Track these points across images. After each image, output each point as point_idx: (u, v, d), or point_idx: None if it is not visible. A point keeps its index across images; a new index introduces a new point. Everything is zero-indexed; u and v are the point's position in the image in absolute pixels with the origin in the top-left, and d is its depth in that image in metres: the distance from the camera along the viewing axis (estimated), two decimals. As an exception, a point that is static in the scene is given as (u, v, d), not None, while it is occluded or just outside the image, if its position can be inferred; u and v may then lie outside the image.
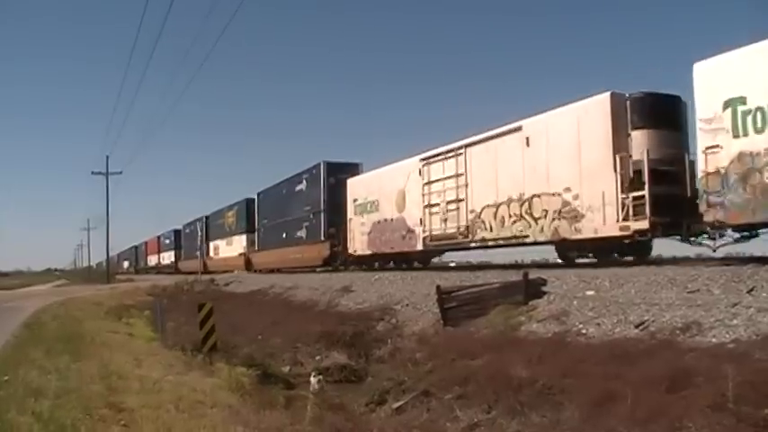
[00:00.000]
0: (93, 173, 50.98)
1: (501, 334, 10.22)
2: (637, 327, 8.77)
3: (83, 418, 5.91)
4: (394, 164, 21.92)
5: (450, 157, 18.22)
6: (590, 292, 10.96)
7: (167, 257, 66.94)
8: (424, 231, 19.40)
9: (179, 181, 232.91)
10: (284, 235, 32.21)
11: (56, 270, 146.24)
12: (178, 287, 33.27)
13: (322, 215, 27.33)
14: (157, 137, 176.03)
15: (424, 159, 19.53)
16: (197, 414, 6.49)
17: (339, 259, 26.02)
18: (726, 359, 6.50)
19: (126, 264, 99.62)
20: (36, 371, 8.14)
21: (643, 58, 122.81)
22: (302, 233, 29.75)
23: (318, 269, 28.41)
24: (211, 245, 47.98)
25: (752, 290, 8.76)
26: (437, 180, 18.79)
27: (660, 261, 13.57)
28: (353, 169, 26.89)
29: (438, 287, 12.52)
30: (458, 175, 17.77)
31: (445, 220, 18.26)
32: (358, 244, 24.05)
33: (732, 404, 5.54)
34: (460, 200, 17.61)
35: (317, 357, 12.75)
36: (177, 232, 62.91)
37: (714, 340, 7.50)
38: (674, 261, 12.67)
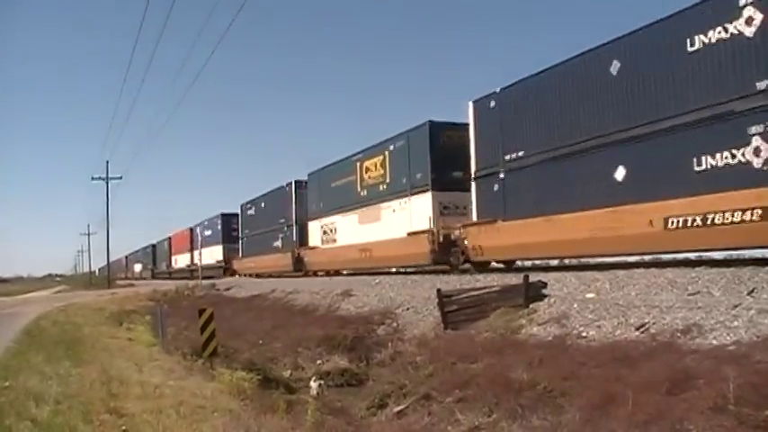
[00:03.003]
0: (93, 178, 50.98)
1: (501, 337, 10.21)
2: (637, 329, 8.76)
3: (83, 423, 5.91)
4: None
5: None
6: (590, 295, 10.96)
7: (210, 255, 47.03)
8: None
9: (179, 185, 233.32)
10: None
11: (56, 276, 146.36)
12: (179, 292, 33.25)
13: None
14: (157, 142, 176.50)
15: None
16: (198, 419, 6.49)
17: None
18: (726, 361, 6.49)
19: (138, 267, 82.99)
20: (37, 377, 8.15)
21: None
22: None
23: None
24: (319, 226, 27.82)
25: (752, 291, 8.77)
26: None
27: (660, 263, 13.56)
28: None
29: (439, 291, 12.52)
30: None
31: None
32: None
33: (733, 406, 5.52)
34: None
35: (318, 361, 12.73)
36: (228, 218, 45.48)
37: (715, 342, 7.49)
38: (675, 263, 12.66)
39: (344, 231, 25.33)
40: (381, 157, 22.34)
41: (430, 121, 19.47)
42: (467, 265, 18.10)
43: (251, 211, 39.33)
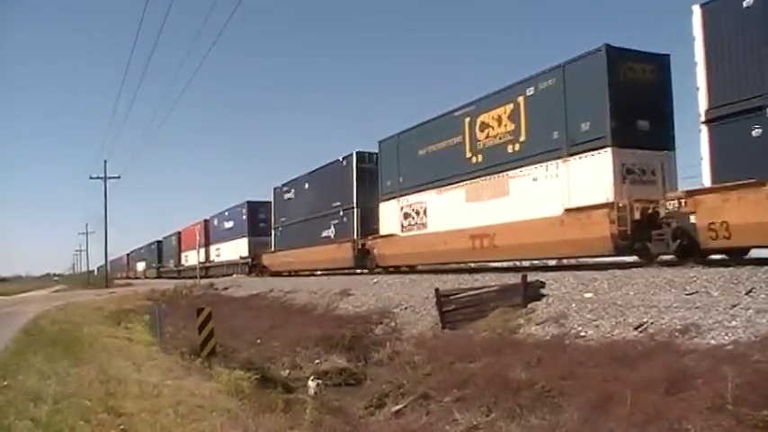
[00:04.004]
0: (91, 177, 50.73)
1: (500, 337, 10.22)
2: (635, 329, 8.78)
3: (82, 423, 5.90)
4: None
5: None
6: (588, 295, 10.96)
7: (231, 250, 42.12)
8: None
9: (177, 185, 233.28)
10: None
11: (54, 275, 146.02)
12: (177, 291, 33.21)
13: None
14: (155, 141, 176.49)
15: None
16: (196, 418, 6.48)
17: None
18: (725, 360, 6.50)
19: (141, 265, 78.16)
20: (35, 376, 8.13)
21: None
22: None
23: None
24: (397, 208, 21.74)
25: (750, 291, 8.78)
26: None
27: (658, 263, 13.57)
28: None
29: (437, 290, 12.53)
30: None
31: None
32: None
33: (731, 405, 5.53)
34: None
35: (316, 361, 12.73)
36: (255, 206, 39.58)
37: (713, 342, 7.50)
38: (673, 263, 12.67)
39: (441, 213, 19.16)
40: (510, 107, 16.29)
41: (607, 45, 13.86)
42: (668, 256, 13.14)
43: (289, 195, 32.44)
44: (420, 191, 20.36)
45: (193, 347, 11.56)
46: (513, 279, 12.47)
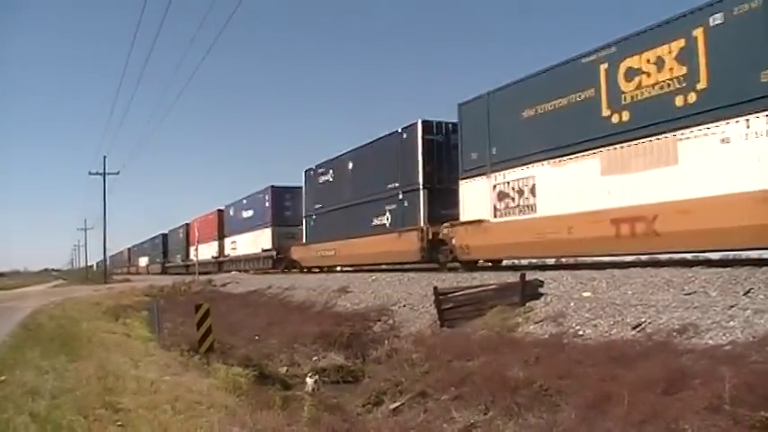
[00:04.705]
0: (90, 173, 50.72)
1: (498, 335, 10.22)
2: (633, 328, 8.78)
3: (79, 418, 5.90)
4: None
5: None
6: (587, 294, 10.97)
7: (251, 243, 37.17)
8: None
9: (176, 181, 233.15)
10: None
11: (53, 270, 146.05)
12: (175, 288, 33.19)
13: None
14: (154, 137, 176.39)
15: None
16: (194, 414, 6.47)
17: None
18: (722, 361, 6.50)
19: (144, 260, 74.21)
20: (33, 371, 8.13)
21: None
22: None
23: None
24: (488, 187, 16.96)
25: (748, 292, 8.78)
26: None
27: (657, 263, 13.58)
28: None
29: (435, 288, 12.53)
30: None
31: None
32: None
33: (729, 406, 5.53)
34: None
35: (314, 358, 12.75)
36: (281, 192, 34.76)
37: (711, 342, 7.51)
38: (671, 263, 12.68)
39: (560, 191, 14.53)
40: (679, 45, 11.98)
41: None
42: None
43: (326, 178, 27.65)
44: (524, 164, 15.57)
45: (191, 344, 11.56)
46: (512, 278, 12.48)
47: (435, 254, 19.22)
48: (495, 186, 16.62)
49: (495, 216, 16.62)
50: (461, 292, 12.48)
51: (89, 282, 57.25)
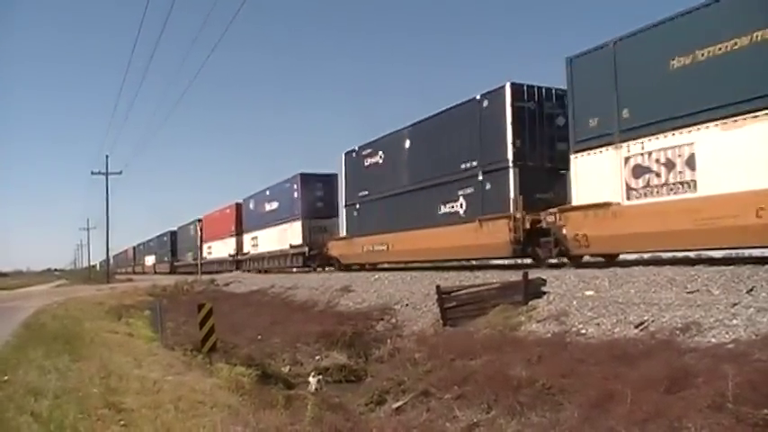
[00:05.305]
0: (92, 173, 50.66)
1: (500, 334, 10.22)
2: (636, 327, 8.77)
3: (82, 418, 5.91)
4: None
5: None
6: (589, 293, 10.96)
7: (277, 238, 32.95)
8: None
9: (179, 180, 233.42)
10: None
11: (56, 270, 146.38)
12: (178, 287, 33.23)
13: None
14: (159, 133, 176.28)
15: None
16: (196, 414, 6.48)
17: None
18: (725, 359, 6.49)
19: (150, 259, 70.33)
20: (36, 371, 8.14)
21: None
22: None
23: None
24: (617, 163, 12.98)
25: (751, 290, 8.77)
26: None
27: (660, 261, 13.56)
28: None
29: (438, 287, 12.54)
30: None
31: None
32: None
33: (732, 404, 5.52)
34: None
35: (317, 357, 12.76)
36: (311, 181, 31.01)
37: (714, 340, 7.50)
38: (674, 261, 12.65)
39: (735, 161, 10.82)
40: None
41: None
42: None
43: (374, 160, 23.53)
44: (676, 128, 11.86)
45: (194, 343, 11.57)
46: (515, 276, 12.47)
47: (533, 247, 15.80)
48: (627, 159, 12.86)
49: (628, 198, 12.88)
50: (464, 291, 12.49)
51: (92, 281, 57.26)
